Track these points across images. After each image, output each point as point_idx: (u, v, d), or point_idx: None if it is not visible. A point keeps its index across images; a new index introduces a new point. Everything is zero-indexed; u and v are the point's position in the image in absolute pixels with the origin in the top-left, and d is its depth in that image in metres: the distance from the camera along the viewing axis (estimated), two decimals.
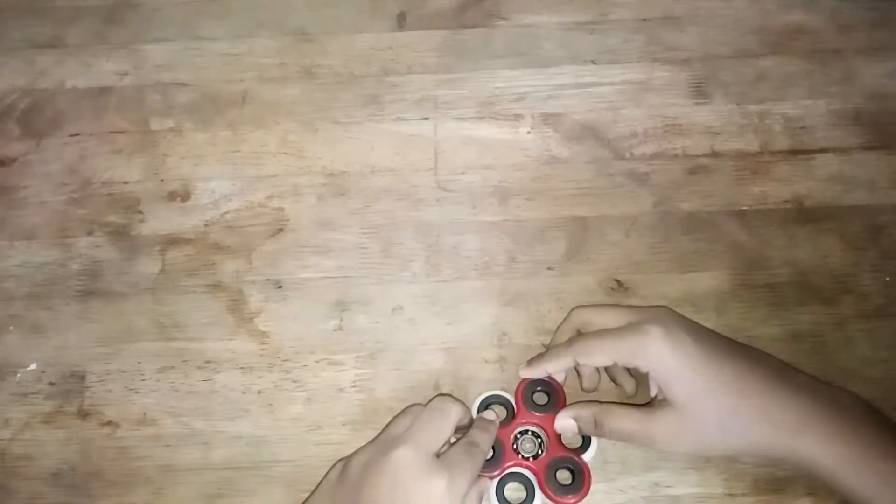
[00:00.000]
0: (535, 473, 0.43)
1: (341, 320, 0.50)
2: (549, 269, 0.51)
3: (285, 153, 0.57)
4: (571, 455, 0.43)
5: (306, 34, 0.63)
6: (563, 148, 0.56)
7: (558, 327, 0.45)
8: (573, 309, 0.44)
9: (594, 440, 0.44)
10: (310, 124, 0.58)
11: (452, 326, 0.50)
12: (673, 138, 0.56)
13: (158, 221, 0.55)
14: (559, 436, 0.44)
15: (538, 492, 0.43)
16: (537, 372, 0.43)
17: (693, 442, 0.39)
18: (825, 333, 0.48)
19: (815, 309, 0.49)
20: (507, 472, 0.43)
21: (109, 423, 0.48)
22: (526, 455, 0.43)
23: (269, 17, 0.64)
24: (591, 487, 0.42)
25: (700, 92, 0.58)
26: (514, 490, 0.43)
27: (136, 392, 0.48)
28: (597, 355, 0.40)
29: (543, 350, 0.46)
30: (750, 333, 0.48)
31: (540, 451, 0.43)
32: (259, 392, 0.48)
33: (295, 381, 0.48)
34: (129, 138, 0.59)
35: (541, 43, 0.61)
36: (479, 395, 0.46)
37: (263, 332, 0.50)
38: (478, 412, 0.45)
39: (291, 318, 0.50)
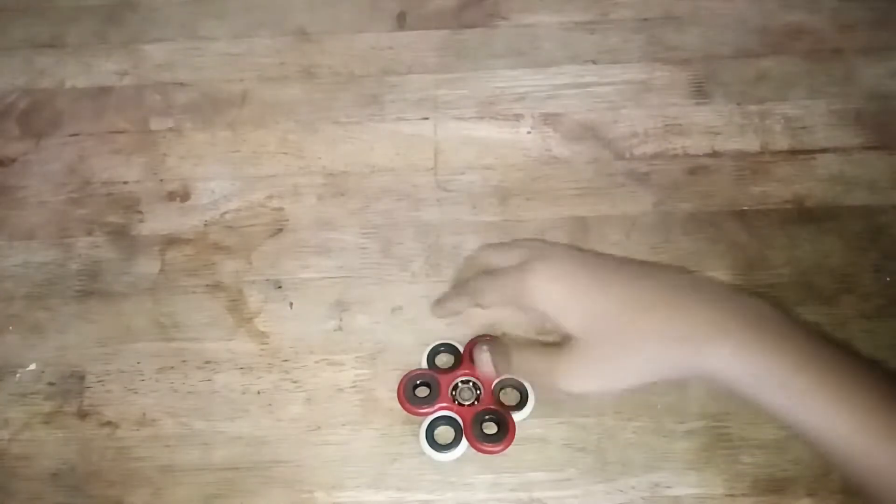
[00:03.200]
0: (463, 419, 0.45)
1: (341, 320, 0.50)
2: None
3: (285, 153, 0.57)
4: (501, 410, 0.45)
5: (306, 34, 0.63)
6: (564, 148, 0.56)
7: (465, 262, 0.46)
8: (481, 247, 0.45)
9: (530, 402, 0.46)
10: (310, 124, 0.58)
11: (452, 326, 0.49)
12: (673, 138, 0.56)
13: (158, 221, 0.55)
14: (496, 392, 0.46)
15: (464, 437, 0.45)
16: (445, 311, 0.45)
17: (596, 374, 0.37)
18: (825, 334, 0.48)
19: (815, 309, 0.49)
20: (439, 414, 0.45)
21: (109, 423, 0.48)
22: (461, 402, 0.46)
23: (269, 17, 0.64)
24: (514, 443, 0.44)
25: (700, 92, 0.58)
26: (443, 433, 0.45)
27: (136, 392, 0.48)
28: (489, 296, 0.41)
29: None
30: None
31: (475, 402, 0.46)
32: (259, 392, 0.48)
33: (295, 382, 0.48)
34: (129, 138, 0.58)
35: (541, 43, 0.61)
36: (429, 344, 0.48)
37: (263, 333, 0.50)
38: (427, 360, 0.47)
39: (291, 319, 0.50)
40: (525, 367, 0.40)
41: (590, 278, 0.38)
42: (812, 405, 0.34)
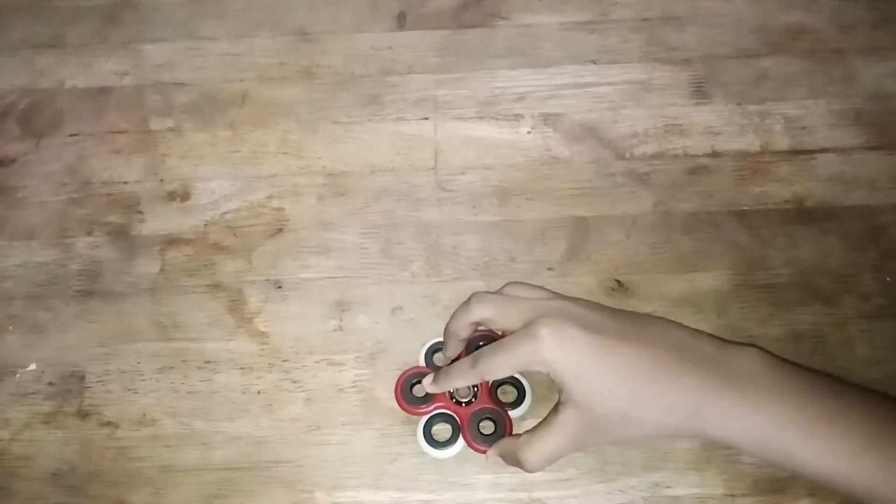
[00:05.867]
0: (460, 418, 0.45)
1: (341, 320, 0.50)
2: (549, 269, 0.51)
3: (285, 153, 0.57)
4: (498, 408, 0.45)
5: (306, 34, 0.63)
6: (564, 148, 0.56)
7: (456, 313, 0.44)
8: (474, 296, 0.43)
9: (527, 399, 0.46)
10: (310, 124, 0.58)
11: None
12: (673, 138, 0.56)
13: (158, 221, 0.55)
14: (493, 389, 0.46)
15: (461, 436, 0.45)
16: (443, 387, 0.44)
17: (603, 436, 0.40)
18: (826, 334, 0.48)
19: (815, 309, 0.49)
20: (437, 412, 0.46)
21: (109, 423, 0.48)
22: (459, 400, 0.46)
23: (269, 17, 0.64)
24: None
25: (700, 92, 0.58)
26: (440, 430, 0.46)
27: (136, 392, 0.48)
28: (499, 371, 0.41)
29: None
30: (750, 334, 0.48)
31: (472, 400, 0.46)
32: (259, 392, 0.48)
33: (295, 382, 0.48)
34: (129, 138, 0.58)
35: (541, 43, 0.61)
36: (427, 342, 0.48)
37: (263, 333, 0.50)
38: (425, 358, 0.48)
39: (291, 319, 0.50)
40: (543, 457, 0.41)
41: (595, 346, 0.39)
42: (804, 456, 0.36)
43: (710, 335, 0.41)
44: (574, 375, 0.38)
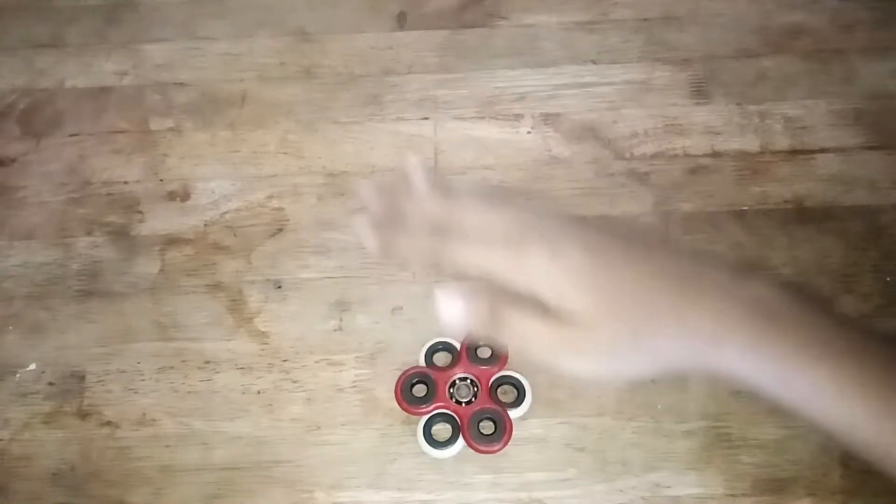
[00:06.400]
0: (460, 418, 0.45)
1: (341, 320, 0.50)
2: None
3: (285, 153, 0.57)
4: (498, 408, 0.45)
5: (306, 34, 0.63)
6: (564, 148, 0.56)
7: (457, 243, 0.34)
8: (448, 188, 0.35)
9: (527, 398, 0.46)
10: (310, 124, 0.58)
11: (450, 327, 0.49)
12: (673, 138, 0.56)
13: (158, 221, 0.55)
14: (494, 389, 0.46)
15: (461, 435, 0.45)
16: (387, 250, 0.35)
17: (606, 357, 0.33)
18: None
19: None
20: (437, 412, 0.46)
21: (109, 423, 0.48)
22: (459, 400, 0.46)
23: (269, 17, 0.64)
24: (511, 443, 0.45)
25: (700, 92, 0.58)
26: (440, 429, 0.46)
27: (136, 392, 0.48)
28: (464, 260, 0.33)
29: None
30: None
31: (472, 400, 0.46)
32: (259, 392, 0.48)
33: (295, 382, 0.48)
34: (129, 138, 0.58)
35: (541, 43, 0.61)
36: (427, 342, 0.48)
37: (263, 333, 0.50)
38: (425, 358, 0.48)
39: (291, 319, 0.50)
40: (522, 330, 0.33)
41: (598, 264, 0.33)
42: (832, 395, 0.32)
43: (720, 262, 0.35)
44: (568, 287, 0.32)
